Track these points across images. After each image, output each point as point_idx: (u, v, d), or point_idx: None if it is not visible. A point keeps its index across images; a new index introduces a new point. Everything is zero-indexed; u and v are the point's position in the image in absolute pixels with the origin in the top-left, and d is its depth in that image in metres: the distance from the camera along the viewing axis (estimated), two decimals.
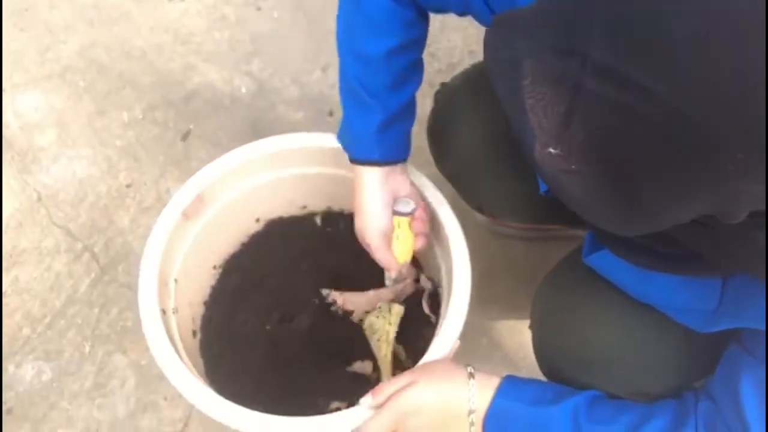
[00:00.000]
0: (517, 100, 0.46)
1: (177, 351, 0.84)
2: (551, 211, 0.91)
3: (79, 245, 1.26)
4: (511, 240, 1.26)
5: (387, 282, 0.99)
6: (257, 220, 1.05)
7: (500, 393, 0.76)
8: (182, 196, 0.91)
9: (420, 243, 0.89)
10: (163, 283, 0.88)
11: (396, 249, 0.88)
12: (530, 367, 1.15)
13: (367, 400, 0.77)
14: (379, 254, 0.88)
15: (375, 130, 0.83)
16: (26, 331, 1.18)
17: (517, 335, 1.19)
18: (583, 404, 0.74)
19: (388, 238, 0.87)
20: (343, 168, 0.96)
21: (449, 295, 0.86)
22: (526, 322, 1.20)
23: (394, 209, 0.87)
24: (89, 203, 1.31)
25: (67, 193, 1.32)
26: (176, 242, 0.91)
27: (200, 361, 0.95)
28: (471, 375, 0.77)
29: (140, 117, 1.41)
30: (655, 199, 0.43)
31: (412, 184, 0.90)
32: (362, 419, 0.76)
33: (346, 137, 0.88)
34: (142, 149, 1.36)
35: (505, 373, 0.77)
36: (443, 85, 0.99)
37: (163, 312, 0.86)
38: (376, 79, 0.82)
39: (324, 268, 1.07)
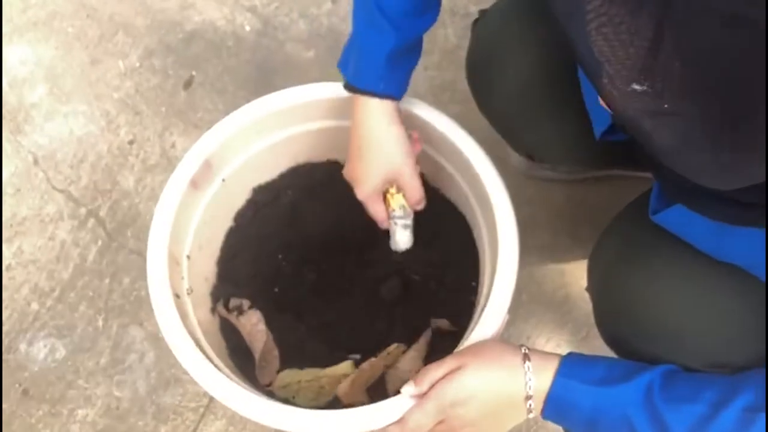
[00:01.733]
0: (583, 26, 0.37)
1: (195, 338, 0.76)
2: (613, 154, 0.81)
3: (83, 210, 1.17)
4: (550, 183, 1.16)
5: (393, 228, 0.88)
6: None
7: (560, 374, 0.67)
8: (188, 164, 0.81)
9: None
10: (174, 263, 0.79)
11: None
12: (576, 323, 1.07)
13: (408, 389, 0.69)
14: (378, 206, 0.83)
15: (386, 57, 0.75)
16: (35, 305, 1.11)
17: (561, 288, 1.10)
18: (657, 381, 0.64)
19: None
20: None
21: (494, 261, 0.77)
22: (571, 273, 1.13)
23: None
24: (90, 164, 1.21)
25: (65, 154, 1.22)
26: (186, 216, 0.82)
27: (222, 342, 0.87)
28: (526, 356, 0.68)
29: (137, 65, 1.29)
30: None
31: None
32: (403, 410, 0.68)
33: (350, 62, 0.78)
34: (142, 101, 1.25)
35: (552, 344, 0.68)
36: (483, 12, 0.86)
37: (177, 296, 0.77)
38: (395, 2, 0.73)
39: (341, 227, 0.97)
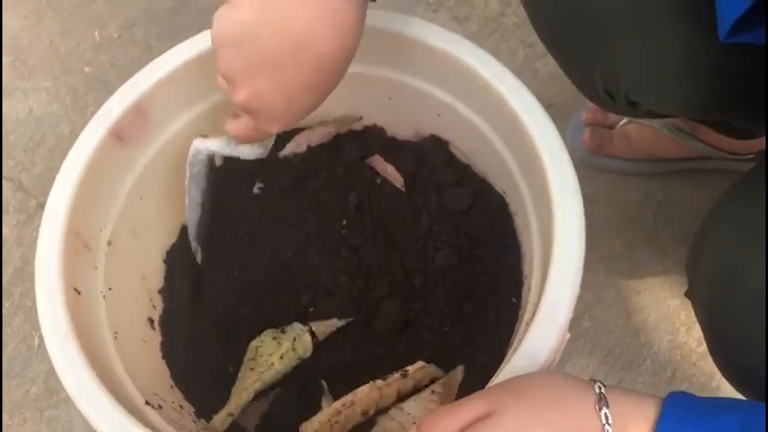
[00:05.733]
0: None
1: (104, 362, 0.51)
2: (731, 88, 0.54)
3: (33, 203, 0.95)
4: (621, 178, 0.89)
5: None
6: None
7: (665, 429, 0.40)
8: (111, 108, 0.57)
9: None
10: (79, 246, 0.55)
11: None
12: (657, 358, 0.80)
13: None
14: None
15: None
16: None
17: (636, 312, 0.82)
18: None
19: None
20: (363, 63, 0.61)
21: (548, 255, 0.50)
22: (650, 291, 0.84)
23: None
24: (47, 148, 0.99)
25: (21, 136, 1.00)
26: (106, 180, 0.58)
27: (163, 368, 0.62)
28: (601, 398, 0.41)
29: (115, 36, 1.08)
30: None
31: None
32: None
33: None
34: (116, 76, 1.04)
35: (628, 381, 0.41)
36: None
37: (77, 292, 0.53)
38: None
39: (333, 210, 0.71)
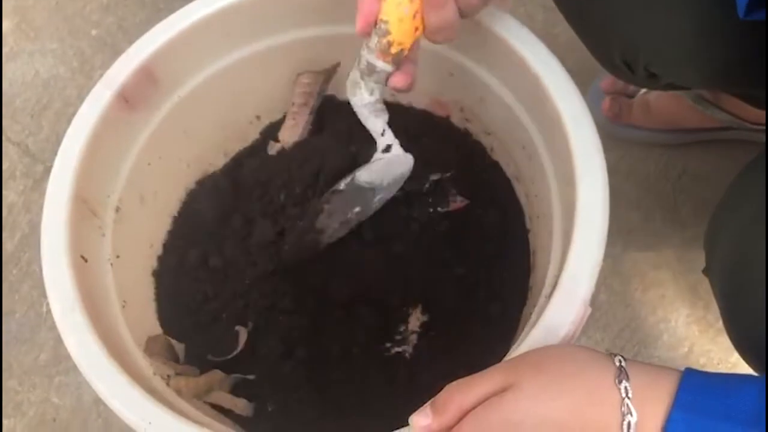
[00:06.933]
0: None
1: (115, 331, 0.50)
2: (746, 56, 0.52)
3: (40, 168, 0.94)
4: (641, 148, 0.87)
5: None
6: (258, 118, 0.69)
7: (681, 405, 0.39)
8: (118, 71, 0.56)
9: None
10: (87, 213, 0.53)
11: None
12: (675, 334, 0.79)
13: (420, 419, 0.41)
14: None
15: None
16: None
17: (654, 286, 0.80)
18: None
19: None
20: None
21: (570, 226, 0.48)
22: (668, 265, 0.82)
23: None
24: (54, 112, 0.98)
25: (27, 100, 0.99)
26: (113, 145, 0.57)
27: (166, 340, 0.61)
28: (622, 372, 0.40)
29: None
30: None
31: None
32: None
33: None
34: (124, 38, 1.02)
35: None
36: None
37: (84, 260, 0.51)
38: None
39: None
